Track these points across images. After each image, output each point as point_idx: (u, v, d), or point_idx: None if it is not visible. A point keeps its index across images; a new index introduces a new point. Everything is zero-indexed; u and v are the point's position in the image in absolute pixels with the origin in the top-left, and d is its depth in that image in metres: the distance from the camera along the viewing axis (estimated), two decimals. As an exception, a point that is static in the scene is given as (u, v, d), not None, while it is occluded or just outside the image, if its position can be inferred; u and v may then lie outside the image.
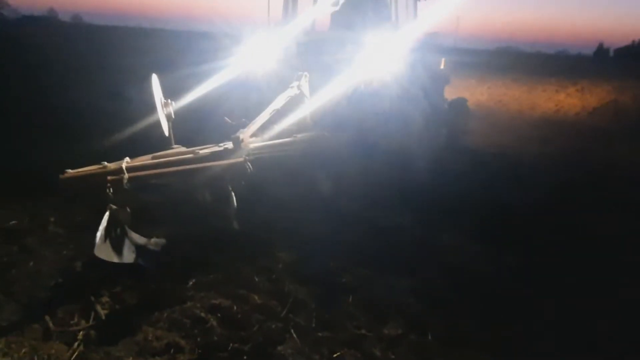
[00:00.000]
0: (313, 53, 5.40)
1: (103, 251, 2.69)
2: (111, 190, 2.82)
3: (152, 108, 3.68)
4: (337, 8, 6.10)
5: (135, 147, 3.44)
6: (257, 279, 3.08)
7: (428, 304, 2.91)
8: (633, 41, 53.37)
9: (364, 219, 4.05)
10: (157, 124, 3.62)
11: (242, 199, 3.04)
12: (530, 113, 13.18)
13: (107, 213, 2.79)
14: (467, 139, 7.48)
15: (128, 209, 2.91)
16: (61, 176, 2.93)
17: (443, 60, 6.94)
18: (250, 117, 3.69)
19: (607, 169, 6.82)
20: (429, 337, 2.61)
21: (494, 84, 17.50)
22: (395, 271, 3.29)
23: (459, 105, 7.42)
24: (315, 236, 3.69)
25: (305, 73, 4.26)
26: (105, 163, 2.99)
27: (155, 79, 3.52)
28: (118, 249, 2.85)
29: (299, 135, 3.83)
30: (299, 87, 4.08)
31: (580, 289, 3.21)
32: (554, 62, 25.92)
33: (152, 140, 3.68)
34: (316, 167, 3.98)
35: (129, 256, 2.93)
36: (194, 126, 3.96)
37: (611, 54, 49.65)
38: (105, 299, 2.82)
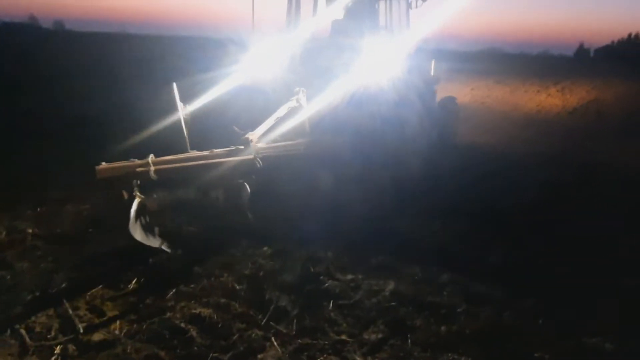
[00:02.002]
0: (314, 59, 5.72)
1: (137, 232, 3.16)
2: (138, 182, 3.26)
3: (162, 114, 4.11)
4: (338, 17, 6.43)
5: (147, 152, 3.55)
6: (237, 287, 3.07)
7: (411, 308, 2.93)
8: (612, 41, 54.48)
9: (358, 219, 4.10)
10: (169, 129, 4.09)
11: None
12: (513, 113, 13.37)
13: (136, 201, 3.20)
14: (455, 139, 7.67)
15: (155, 196, 3.37)
16: (97, 167, 3.29)
17: (433, 62, 7.23)
18: (256, 121, 4.13)
19: (592, 167, 6.94)
20: (409, 342, 2.62)
21: (477, 86, 17.69)
22: (379, 275, 3.32)
23: (449, 103, 7.68)
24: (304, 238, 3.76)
25: (303, 89, 4.64)
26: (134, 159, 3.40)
27: (174, 88, 3.77)
28: (147, 233, 3.30)
29: (300, 139, 4.28)
30: (297, 100, 4.52)
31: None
32: (536, 63, 26.27)
33: (162, 146, 3.87)
34: (316, 167, 4.28)
35: (155, 241, 3.34)
36: (201, 132, 4.18)
37: (591, 54, 50.58)
38: (83, 311, 2.79)
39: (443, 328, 2.74)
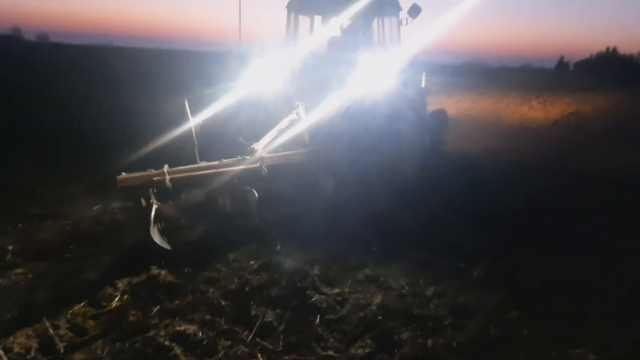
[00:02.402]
0: (313, 73, 6.06)
1: (156, 236, 3.53)
2: (154, 190, 3.64)
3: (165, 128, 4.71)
4: (334, 34, 6.86)
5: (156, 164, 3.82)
6: (223, 303, 3.03)
7: (398, 322, 2.92)
8: (591, 55, 56.03)
9: (348, 228, 4.26)
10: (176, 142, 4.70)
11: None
12: (497, 125, 13.60)
13: (154, 207, 3.56)
14: (444, 149, 8.01)
15: (171, 203, 3.75)
16: (118, 177, 3.59)
17: (423, 74, 7.61)
18: (258, 133, 4.55)
19: (575, 176, 7.08)
20: (396, 357, 2.61)
21: (461, 98, 17.99)
22: (365, 288, 3.31)
23: (440, 115, 8.13)
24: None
25: (302, 102, 5.09)
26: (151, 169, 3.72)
27: (186, 104, 4.05)
28: (165, 237, 3.66)
29: (300, 149, 4.70)
30: (297, 113, 4.96)
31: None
32: (519, 76, 26.81)
33: (171, 157, 4.11)
34: (316, 174, 4.67)
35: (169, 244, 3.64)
36: (205, 144, 4.42)
37: (571, 67, 51.81)
38: (64, 330, 2.72)
39: (430, 341, 2.74)
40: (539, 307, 3.13)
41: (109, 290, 3.17)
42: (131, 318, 2.85)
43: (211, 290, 3.20)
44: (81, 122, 8.95)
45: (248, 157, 4.15)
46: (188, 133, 4.20)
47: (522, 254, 3.96)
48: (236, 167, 4.04)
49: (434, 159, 6.89)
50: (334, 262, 3.68)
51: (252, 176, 4.07)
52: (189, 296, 3.12)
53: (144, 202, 3.58)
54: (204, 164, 4.06)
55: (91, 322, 2.81)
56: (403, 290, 3.32)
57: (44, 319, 2.78)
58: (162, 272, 3.38)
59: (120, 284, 3.23)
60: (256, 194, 4.02)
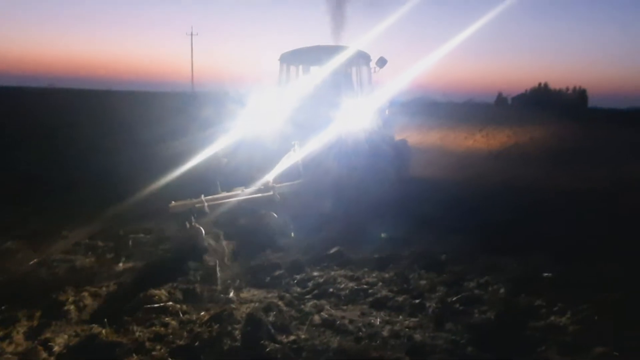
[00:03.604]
0: (303, 114, 7.10)
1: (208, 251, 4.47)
2: (195, 214, 4.58)
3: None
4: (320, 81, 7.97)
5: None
6: None
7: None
8: (526, 90, 60.71)
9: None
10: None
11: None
12: (446, 157, 14.18)
13: (201, 228, 4.49)
14: (407, 173, 8.80)
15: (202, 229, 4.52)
16: (169, 205, 4.61)
17: (387, 111, 8.70)
18: (255, 172, 5.81)
19: (521, 196, 7.95)
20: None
21: (412, 133, 18.69)
22: (322, 332, 3.23)
23: (402, 144, 9.07)
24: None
25: (297, 142, 6.22)
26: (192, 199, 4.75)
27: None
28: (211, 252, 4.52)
29: (296, 181, 5.97)
30: (294, 150, 6.17)
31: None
32: (463, 110, 28.39)
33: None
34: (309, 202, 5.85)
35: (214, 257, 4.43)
36: (206, 181, 5.53)
37: (509, 101, 55.71)
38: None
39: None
40: (492, 342, 3.17)
41: (43, 355, 2.90)
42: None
43: (158, 347, 3.00)
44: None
45: (263, 187, 5.43)
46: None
47: (472, 286, 4.04)
48: (256, 195, 5.33)
49: (398, 184, 7.46)
50: (289, 307, 3.58)
51: (268, 201, 5.35)
52: (134, 356, 2.90)
53: (188, 225, 4.49)
54: (225, 193, 5.21)
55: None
56: (360, 333, 3.26)
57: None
58: (104, 330, 3.14)
59: (56, 347, 2.97)
60: (275, 215, 5.27)
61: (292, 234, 5.28)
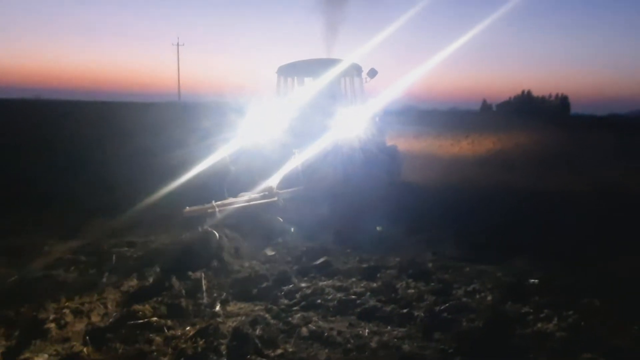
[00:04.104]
0: (300, 123, 7.53)
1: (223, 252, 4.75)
2: (206, 219, 5.02)
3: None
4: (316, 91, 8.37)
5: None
6: None
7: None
8: (510, 97, 61.72)
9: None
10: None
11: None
12: (433, 164, 14.29)
13: (216, 232, 4.81)
14: (398, 178, 9.13)
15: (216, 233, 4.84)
16: (184, 210, 5.10)
17: (377, 118, 8.98)
18: (256, 178, 6.19)
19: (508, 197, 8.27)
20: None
21: (398, 142, 18.80)
22: (309, 345, 3.18)
23: (393, 150, 9.44)
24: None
25: (297, 150, 6.61)
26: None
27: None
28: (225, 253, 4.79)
29: (296, 188, 6.37)
30: (294, 158, 6.54)
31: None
32: (448, 118, 28.76)
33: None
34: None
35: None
36: (208, 189, 5.86)
37: (494, 108, 56.56)
38: None
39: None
40: (480, 349, 3.16)
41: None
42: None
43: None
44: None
45: (267, 193, 5.87)
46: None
47: (459, 293, 4.03)
48: (262, 200, 5.76)
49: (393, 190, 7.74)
50: (276, 319, 3.53)
51: (272, 206, 5.79)
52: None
53: (200, 229, 4.84)
54: (232, 199, 5.61)
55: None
56: (348, 345, 3.23)
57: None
58: (85, 349, 3.06)
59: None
60: (280, 219, 5.74)
61: (292, 229, 5.76)
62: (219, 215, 5.12)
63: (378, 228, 5.99)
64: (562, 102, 62.79)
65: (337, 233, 5.79)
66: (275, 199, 5.85)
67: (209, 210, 5.12)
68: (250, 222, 5.57)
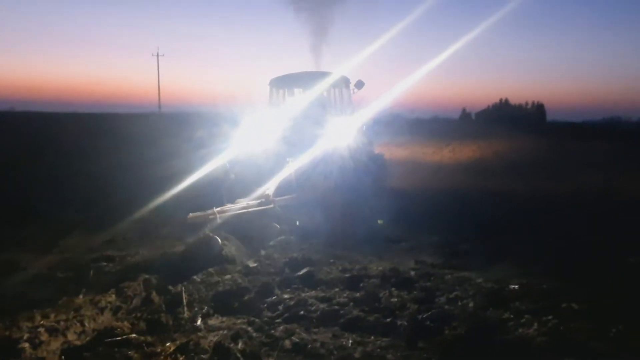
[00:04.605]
0: (295, 132, 7.87)
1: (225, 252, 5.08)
2: (208, 225, 5.31)
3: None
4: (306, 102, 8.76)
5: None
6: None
7: None
8: (488, 106, 63.00)
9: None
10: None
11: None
12: (414, 173, 14.44)
13: (217, 237, 5.12)
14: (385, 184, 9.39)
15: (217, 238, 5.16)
16: (188, 217, 5.44)
17: (364, 127, 9.27)
18: (251, 186, 6.59)
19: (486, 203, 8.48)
20: None
21: (381, 150, 18.96)
22: (292, 358, 3.15)
23: (379, 158, 9.78)
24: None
25: (290, 159, 7.01)
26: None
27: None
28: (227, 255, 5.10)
29: (290, 196, 6.74)
30: (288, 167, 6.92)
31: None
32: (430, 126, 29.14)
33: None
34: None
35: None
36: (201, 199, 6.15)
37: (473, 117, 57.60)
38: None
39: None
40: (463, 356, 3.17)
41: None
42: None
43: None
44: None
45: (264, 200, 6.16)
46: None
47: (442, 301, 4.05)
48: (259, 207, 6.06)
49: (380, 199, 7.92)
50: (259, 332, 3.49)
51: (269, 213, 6.11)
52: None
53: (202, 235, 5.12)
54: (230, 205, 5.88)
55: None
56: (332, 356, 3.20)
57: None
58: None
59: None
60: (278, 226, 6.10)
61: (297, 222, 6.38)
62: (219, 221, 5.43)
63: (379, 221, 6.54)
64: (538, 109, 64.41)
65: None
66: (272, 206, 6.14)
67: (211, 217, 5.43)
68: (248, 227, 5.89)
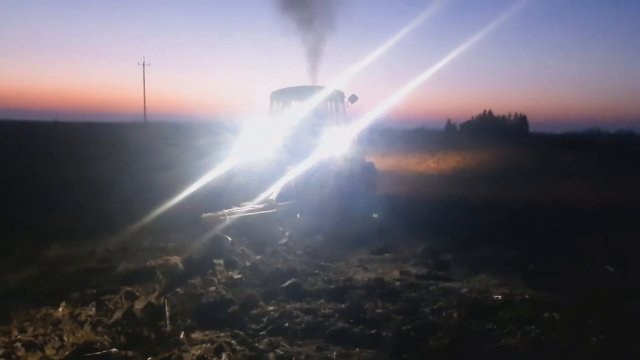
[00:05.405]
0: (295, 142, 8.43)
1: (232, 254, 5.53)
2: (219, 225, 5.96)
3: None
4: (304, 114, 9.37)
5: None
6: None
7: None
8: (472, 117, 64.11)
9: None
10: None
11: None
12: (400, 182, 14.55)
13: (227, 237, 5.65)
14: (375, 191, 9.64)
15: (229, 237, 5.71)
16: (201, 217, 6.23)
17: (356, 137, 9.68)
18: (252, 192, 7.35)
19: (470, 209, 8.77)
20: None
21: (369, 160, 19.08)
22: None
23: (370, 166, 10.20)
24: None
25: (290, 166, 7.60)
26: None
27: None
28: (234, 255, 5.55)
29: (289, 202, 7.39)
30: (289, 175, 7.53)
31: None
32: (416, 137, 29.40)
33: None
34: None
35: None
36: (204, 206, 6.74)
37: (457, 128, 58.47)
38: None
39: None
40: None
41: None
42: None
43: None
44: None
45: (267, 204, 6.85)
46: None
47: (427, 313, 4.07)
48: (263, 211, 6.72)
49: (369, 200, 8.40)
50: (242, 345, 3.45)
51: (272, 216, 6.72)
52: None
53: (214, 234, 5.63)
54: (236, 208, 6.66)
55: None
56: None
57: None
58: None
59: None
60: (280, 228, 6.63)
61: (298, 215, 7.11)
62: (228, 222, 6.07)
63: (374, 215, 7.17)
64: (521, 121, 65.68)
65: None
66: (275, 210, 6.83)
67: (221, 218, 6.13)
68: (253, 228, 6.37)
